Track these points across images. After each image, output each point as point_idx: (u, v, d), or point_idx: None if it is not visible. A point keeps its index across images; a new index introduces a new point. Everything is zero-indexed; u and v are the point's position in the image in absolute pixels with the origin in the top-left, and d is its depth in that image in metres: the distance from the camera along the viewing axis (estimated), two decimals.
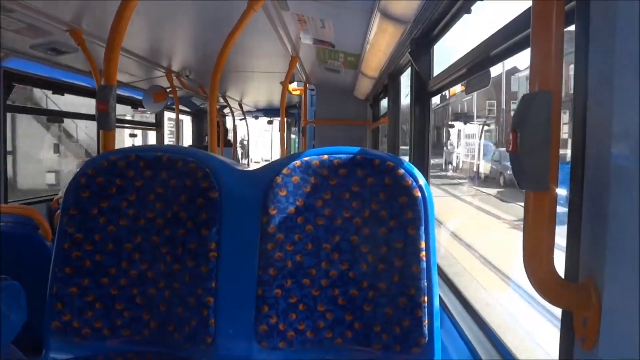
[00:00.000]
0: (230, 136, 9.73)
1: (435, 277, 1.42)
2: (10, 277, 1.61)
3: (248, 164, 10.76)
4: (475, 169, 17.04)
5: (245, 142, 11.99)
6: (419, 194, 1.41)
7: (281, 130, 5.21)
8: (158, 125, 6.73)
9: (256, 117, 10.16)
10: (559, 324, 0.92)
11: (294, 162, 1.46)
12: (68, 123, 8.96)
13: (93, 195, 1.50)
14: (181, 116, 6.18)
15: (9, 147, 3.79)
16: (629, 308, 0.67)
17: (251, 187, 1.50)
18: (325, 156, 1.46)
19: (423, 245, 1.40)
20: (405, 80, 3.27)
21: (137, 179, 1.50)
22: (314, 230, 1.45)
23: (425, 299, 1.40)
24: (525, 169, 0.79)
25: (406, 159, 2.22)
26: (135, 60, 4.12)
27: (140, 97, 5.39)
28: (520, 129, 0.79)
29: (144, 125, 7.28)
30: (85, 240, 1.49)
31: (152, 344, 1.49)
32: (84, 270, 1.48)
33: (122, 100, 5.55)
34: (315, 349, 1.45)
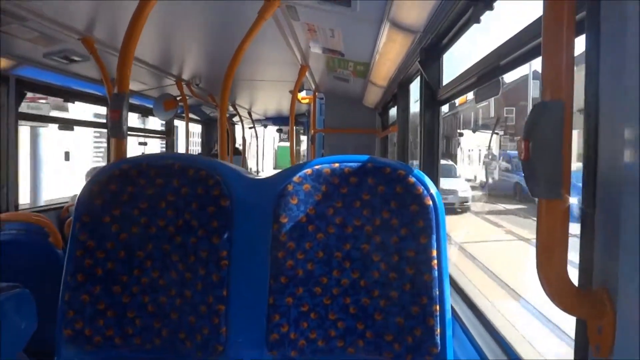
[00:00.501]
0: (239, 144, 9.76)
1: (447, 286, 1.41)
2: (21, 285, 1.63)
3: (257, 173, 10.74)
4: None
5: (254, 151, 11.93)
6: (430, 203, 1.40)
7: (290, 138, 5.23)
8: (168, 134, 6.79)
9: (265, 126, 10.17)
10: None
11: (305, 170, 1.46)
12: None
13: (105, 203, 1.50)
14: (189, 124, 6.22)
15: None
16: None
17: (262, 195, 1.50)
18: (336, 164, 1.46)
19: (435, 253, 1.40)
20: (415, 88, 3.28)
21: (149, 187, 1.51)
22: (325, 239, 1.45)
23: (437, 307, 1.39)
24: (537, 177, 0.80)
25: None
26: (146, 69, 4.16)
27: (151, 106, 5.44)
28: (532, 137, 0.79)
29: (155, 134, 7.33)
30: (97, 248, 1.49)
31: (163, 352, 1.49)
32: (96, 278, 1.48)
33: (133, 109, 5.60)
34: (326, 358, 1.44)
